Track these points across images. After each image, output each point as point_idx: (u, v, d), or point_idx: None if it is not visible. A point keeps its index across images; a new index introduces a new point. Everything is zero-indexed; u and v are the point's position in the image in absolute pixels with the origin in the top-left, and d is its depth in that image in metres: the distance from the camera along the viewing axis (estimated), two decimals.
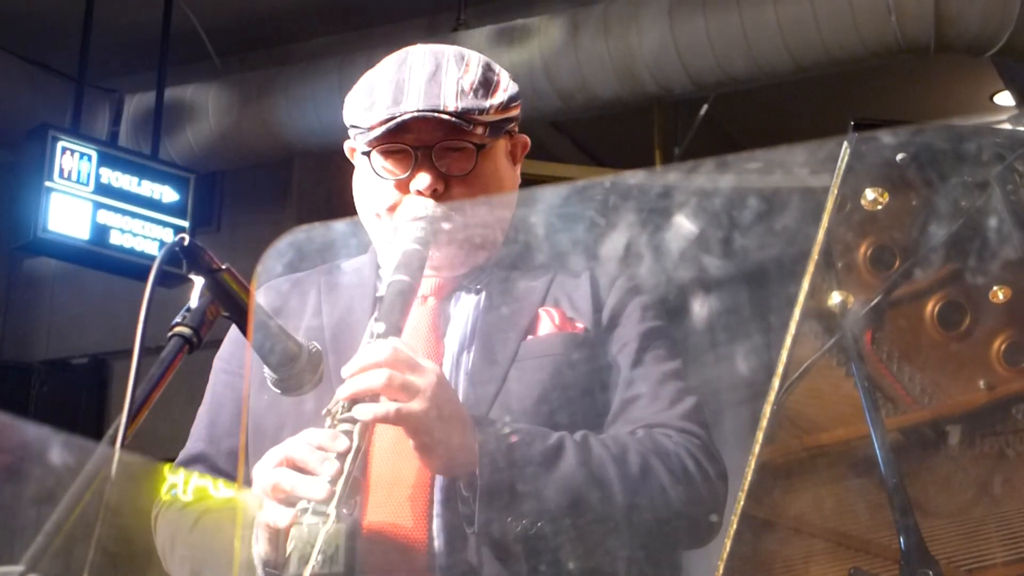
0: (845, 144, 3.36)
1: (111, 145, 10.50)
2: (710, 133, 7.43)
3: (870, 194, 3.49)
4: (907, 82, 5.11)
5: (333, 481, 2.12)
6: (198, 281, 2.38)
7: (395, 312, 2.37)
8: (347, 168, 3.06)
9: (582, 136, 5.45)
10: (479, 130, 2.55)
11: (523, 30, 5.09)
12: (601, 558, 2.24)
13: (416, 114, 2.54)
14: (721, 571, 3.73)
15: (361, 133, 2.66)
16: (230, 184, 11.80)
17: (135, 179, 9.99)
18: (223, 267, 2.38)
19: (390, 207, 2.63)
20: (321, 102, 9.06)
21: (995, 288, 3.84)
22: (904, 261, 3.85)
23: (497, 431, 2.23)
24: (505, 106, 2.62)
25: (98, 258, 9.87)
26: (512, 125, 2.73)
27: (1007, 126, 4.27)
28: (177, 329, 2.36)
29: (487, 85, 2.62)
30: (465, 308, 2.56)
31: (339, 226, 2.76)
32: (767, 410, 3.60)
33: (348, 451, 2.18)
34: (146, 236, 9.94)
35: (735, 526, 3.64)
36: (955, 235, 3.77)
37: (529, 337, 2.44)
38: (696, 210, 3.62)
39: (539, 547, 2.20)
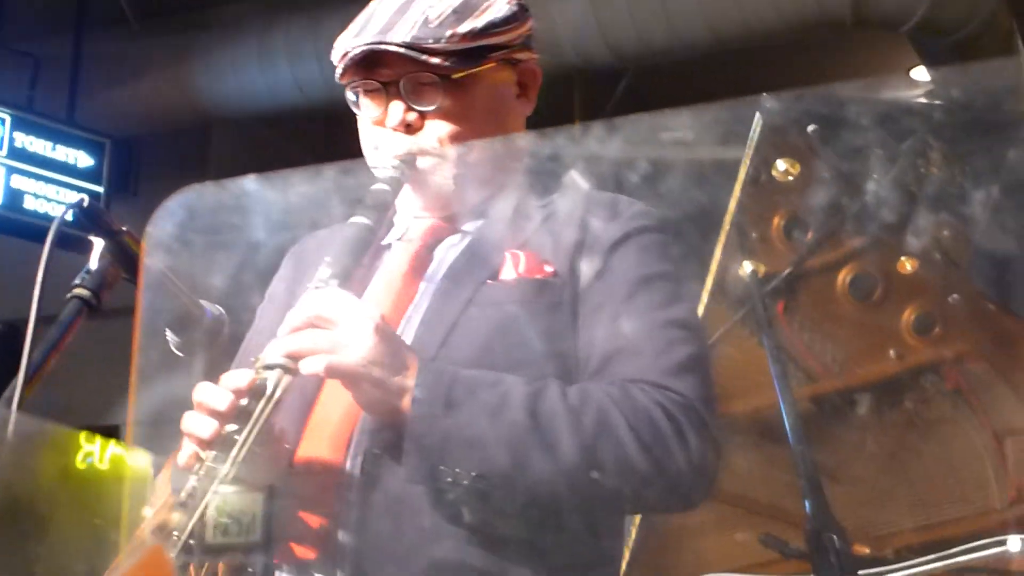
0: (757, 115, 3.40)
1: (26, 109, 10.34)
2: (632, 105, 7.47)
3: (781, 165, 3.53)
4: (826, 56, 5.16)
5: (229, 420, 2.07)
6: (98, 243, 2.34)
7: (345, 256, 2.26)
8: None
9: None
10: (438, 60, 2.38)
11: None
12: (541, 517, 2.11)
13: (364, 47, 2.42)
14: (634, 536, 3.79)
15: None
16: (148, 150, 11.65)
17: (49, 144, 9.89)
18: (123, 229, 2.35)
19: (375, 146, 2.50)
20: (240, 69, 8.96)
21: (903, 259, 3.91)
22: (816, 232, 3.90)
23: (440, 375, 2.12)
24: (480, 32, 2.38)
25: (11, 223, 9.74)
26: (504, 53, 2.50)
27: (922, 100, 4.34)
28: (76, 291, 2.31)
29: (463, 11, 2.43)
30: (450, 253, 2.43)
31: (234, 185, 2.68)
32: None
33: (258, 395, 2.11)
34: (60, 201, 9.84)
35: None
36: (865, 207, 3.83)
37: (489, 281, 2.31)
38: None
39: (476, 499, 2.09)
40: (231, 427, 2.04)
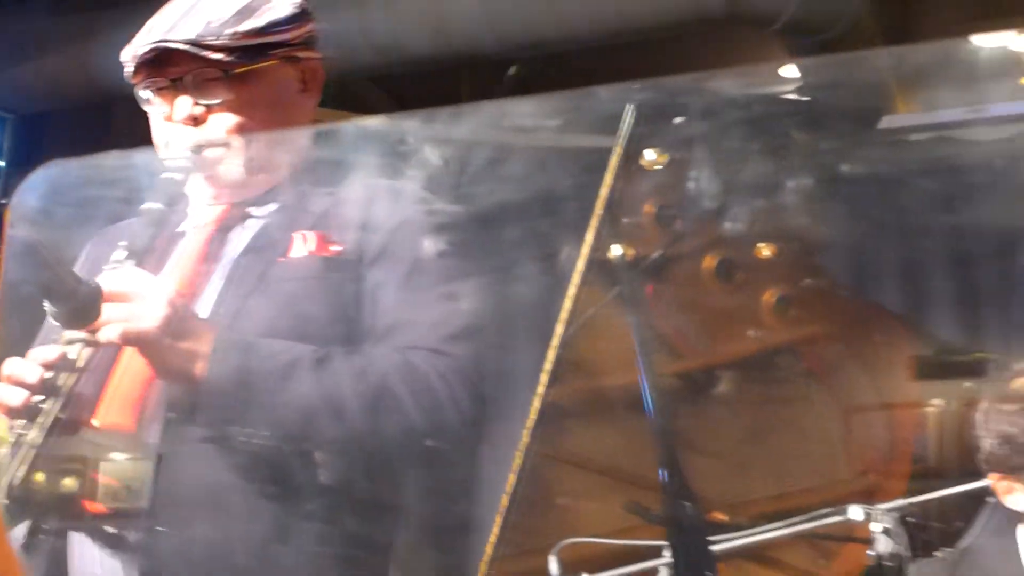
0: (628, 106, 3.49)
1: None
2: (520, 94, 7.55)
3: (649, 155, 3.63)
4: (705, 52, 5.29)
5: (37, 390, 2.15)
6: None
7: (137, 239, 2.37)
8: None
9: (399, 91, 5.54)
10: (220, 56, 2.45)
11: None
12: (332, 473, 2.22)
13: (150, 46, 2.49)
14: (506, 503, 3.88)
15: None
16: (52, 126, 11.56)
17: None
18: None
19: (166, 142, 2.58)
20: None
21: (760, 245, 4.04)
22: (684, 219, 4.01)
23: (233, 342, 2.21)
24: (261, 31, 2.47)
25: None
26: (285, 51, 2.58)
27: (791, 97, 4.49)
28: None
29: (244, 12, 2.52)
30: (244, 235, 2.51)
31: (97, 161, 2.71)
32: (551, 354, 3.74)
33: (64, 367, 2.18)
34: None
35: (519, 460, 3.80)
36: (729, 196, 3.95)
37: (280, 259, 2.40)
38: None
39: (267, 459, 2.19)
40: (38, 397, 2.14)
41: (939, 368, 4.26)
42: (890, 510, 3.31)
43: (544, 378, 3.76)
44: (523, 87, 5.15)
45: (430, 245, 2.43)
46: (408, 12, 4.96)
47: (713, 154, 3.85)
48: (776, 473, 4.22)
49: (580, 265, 3.65)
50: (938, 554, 2.92)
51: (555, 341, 3.70)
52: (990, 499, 3.22)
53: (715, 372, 4.29)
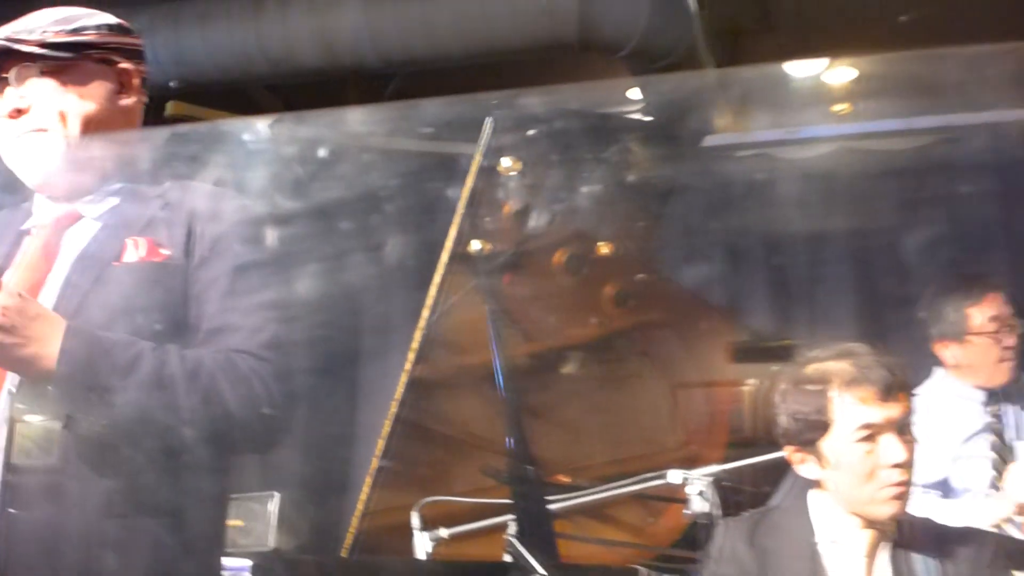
0: (487, 119, 3.53)
1: None
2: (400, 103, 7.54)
3: (505, 162, 3.67)
4: (563, 73, 5.34)
5: None
6: None
7: None
8: None
9: (292, 100, 5.52)
10: (39, 50, 2.44)
11: (242, 2, 5.11)
12: (169, 461, 2.23)
13: None
14: (375, 466, 3.90)
15: None
16: None
17: None
18: None
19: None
20: None
21: (601, 244, 4.10)
22: (537, 219, 4.05)
23: (81, 336, 2.20)
24: (74, 31, 2.44)
25: None
26: (100, 53, 2.54)
27: (630, 115, 4.60)
28: None
29: (63, 20, 2.52)
30: (80, 237, 2.48)
31: None
32: (418, 335, 3.77)
33: None
34: None
35: (387, 428, 3.82)
36: (575, 199, 4.00)
37: (113, 264, 2.39)
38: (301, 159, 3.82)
39: (109, 445, 2.19)
40: None
41: (752, 353, 4.35)
42: (704, 475, 3.41)
43: (411, 356, 3.79)
44: (401, 97, 5.15)
45: (252, 252, 2.43)
46: (299, 28, 4.94)
47: (562, 163, 3.90)
48: (612, 441, 4.30)
49: (444, 258, 3.68)
50: (745, 514, 2.98)
51: (421, 323, 3.73)
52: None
53: (562, 353, 4.35)
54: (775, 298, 4.94)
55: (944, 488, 3.95)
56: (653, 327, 4.36)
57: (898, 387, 2.70)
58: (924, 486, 3.90)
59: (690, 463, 3.64)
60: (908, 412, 2.72)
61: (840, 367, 2.74)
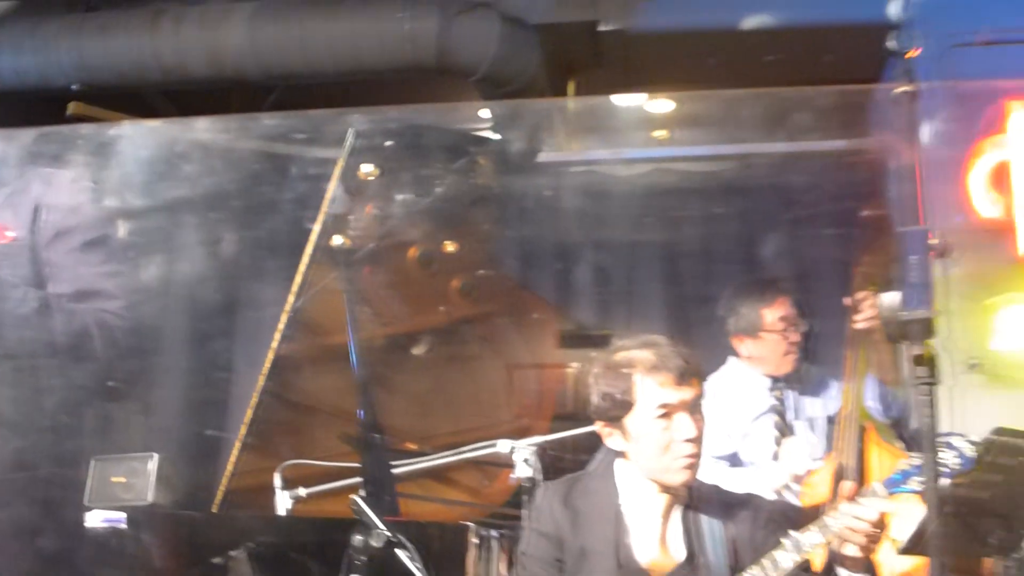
0: (350, 130, 3.54)
1: None
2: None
3: (365, 168, 3.68)
4: (427, 92, 5.32)
5: None
6: None
7: None
8: None
9: (185, 105, 5.41)
10: None
11: (140, 16, 5.02)
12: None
13: None
14: (243, 433, 3.87)
15: None
16: None
17: None
18: None
19: None
20: None
21: (446, 242, 4.13)
22: (394, 219, 4.07)
23: None
24: None
25: None
26: None
27: (479, 133, 4.65)
28: None
29: None
30: None
31: None
32: (283, 318, 3.76)
33: None
34: None
35: (255, 399, 3.80)
36: (428, 203, 4.03)
37: None
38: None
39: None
40: None
41: (575, 340, 4.43)
42: (529, 445, 3.46)
43: (277, 336, 3.78)
44: (281, 107, 5.10)
45: (85, 233, 2.46)
46: (190, 42, 4.87)
47: (417, 171, 3.92)
48: (455, 414, 4.31)
49: (308, 250, 3.68)
50: (562, 478, 3.04)
51: (287, 307, 3.72)
52: None
53: (414, 336, 4.35)
54: (598, 295, 5.02)
55: (735, 459, 4.07)
56: (492, 316, 4.40)
57: (691, 374, 2.81)
58: (718, 457, 4.03)
59: (521, 434, 3.66)
60: (699, 395, 2.83)
61: (643, 355, 2.83)
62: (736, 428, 4.09)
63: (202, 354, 5.02)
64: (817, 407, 4.15)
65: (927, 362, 1.63)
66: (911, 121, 1.94)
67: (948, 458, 2.52)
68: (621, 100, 4.15)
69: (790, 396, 4.15)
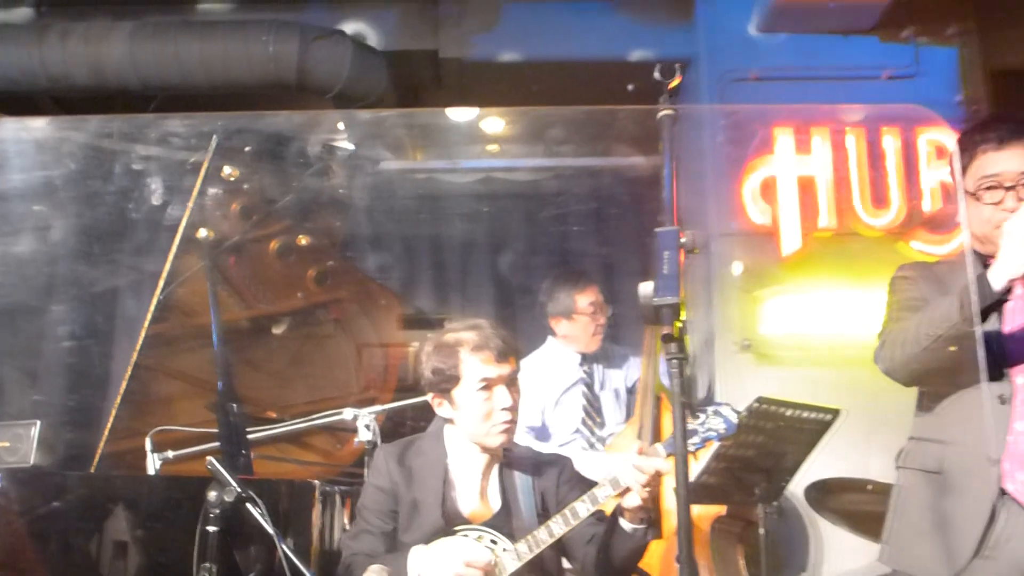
0: (215, 136, 3.38)
1: None
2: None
3: (227, 169, 3.52)
4: (293, 104, 5.16)
5: None
6: None
7: None
8: None
9: (72, 109, 5.11)
10: None
11: (28, 29, 4.71)
12: None
13: None
14: (118, 403, 3.66)
15: None
16: None
17: None
18: None
19: None
20: None
21: (302, 236, 4.01)
22: (256, 215, 3.92)
23: None
24: None
25: None
26: None
27: (344, 143, 4.53)
28: None
29: None
30: None
31: None
32: (154, 301, 3.57)
33: None
34: None
35: (129, 372, 3.60)
36: (287, 201, 3.91)
37: None
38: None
39: None
40: None
41: (415, 323, 4.36)
42: (370, 412, 3.37)
43: (149, 316, 3.58)
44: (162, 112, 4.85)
45: None
46: (75, 55, 4.59)
47: (276, 173, 3.79)
48: (311, 387, 4.20)
49: (175, 243, 3.49)
50: (398, 441, 2.97)
51: (157, 292, 3.52)
52: None
53: (275, 318, 4.22)
54: (435, 285, 4.97)
55: (543, 433, 4.07)
56: (344, 301, 4.29)
57: (509, 352, 2.76)
58: (529, 429, 4.02)
59: (369, 404, 3.59)
60: (516, 371, 2.78)
61: (468, 336, 2.76)
62: (552, 396, 4.09)
63: (86, 331, 4.77)
64: (619, 379, 4.19)
65: (676, 340, 1.62)
66: (671, 139, 1.93)
67: (716, 423, 2.52)
68: (455, 115, 4.08)
69: (597, 370, 4.17)
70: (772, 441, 3.08)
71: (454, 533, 2.63)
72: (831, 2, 4.25)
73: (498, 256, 4.96)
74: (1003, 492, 2.20)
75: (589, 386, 4.15)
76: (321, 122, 3.98)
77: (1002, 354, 2.22)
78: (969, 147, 2.33)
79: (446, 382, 2.75)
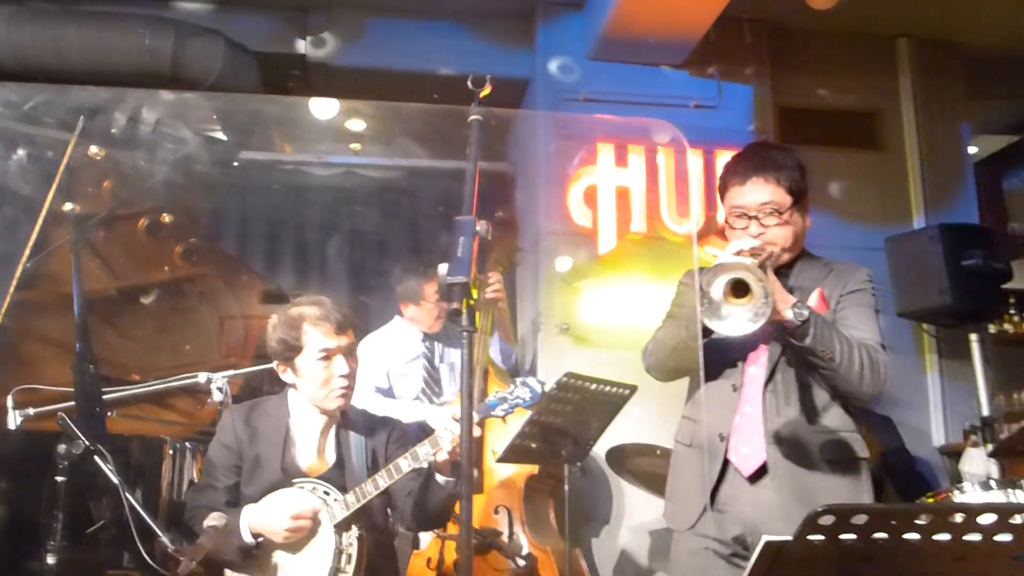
0: (81, 116, 3.20)
1: None
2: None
3: (94, 148, 3.35)
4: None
5: None
6: None
7: None
8: None
9: None
10: None
11: None
12: None
13: None
14: None
15: None
16: None
17: None
18: None
19: None
20: None
21: (167, 215, 3.87)
22: (127, 192, 3.77)
23: None
24: None
25: None
26: None
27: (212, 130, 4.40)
28: None
29: None
30: None
31: None
32: (19, 270, 3.37)
33: None
34: None
35: None
36: (155, 182, 3.76)
37: None
38: None
39: None
40: None
41: (274, 298, 4.25)
42: (223, 376, 3.29)
43: (14, 283, 3.38)
44: None
45: None
46: None
47: (144, 154, 3.63)
48: (175, 353, 4.07)
49: (40, 218, 3.29)
50: (246, 402, 2.91)
51: (23, 260, 3.32)
52: None
53: (143, 289, 4.06)
54: (297, 267, 4.86)
55: (389, 393, 4.07)
56: (209, 277, 4.16)
57: (348, 325, 2.74)
58: (377, 389, 4.01)
59: (229, 369, 3.51)
60: (354, 343, 2.76)
61: (311, 310, 2.73)
62: (395, 368, 4.09)
63: None
64: (456, 355, 4.21)
65: (464, 316, 1.65)
66: (477, 141, 1.96)
67: (523, 392, 2.57)
68: (320, 111, 4.00)
69: (437, 346, 4.17)
70: (578, 410, 3.15)
71: (292, 485, 2.61)
72: (650, 38, 4.37)
73: (355, 243, 4.90)
74: (728, 462, 2.36)
75: (430, 360, 4.16)
76: (192, 107, 3.81)
77: (730, 352, 2.37)
78: (723, 183, 2.46)
79: (289, 351, 2.72)
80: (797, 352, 2.27)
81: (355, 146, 4.81)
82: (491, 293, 3.95)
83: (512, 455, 3.25)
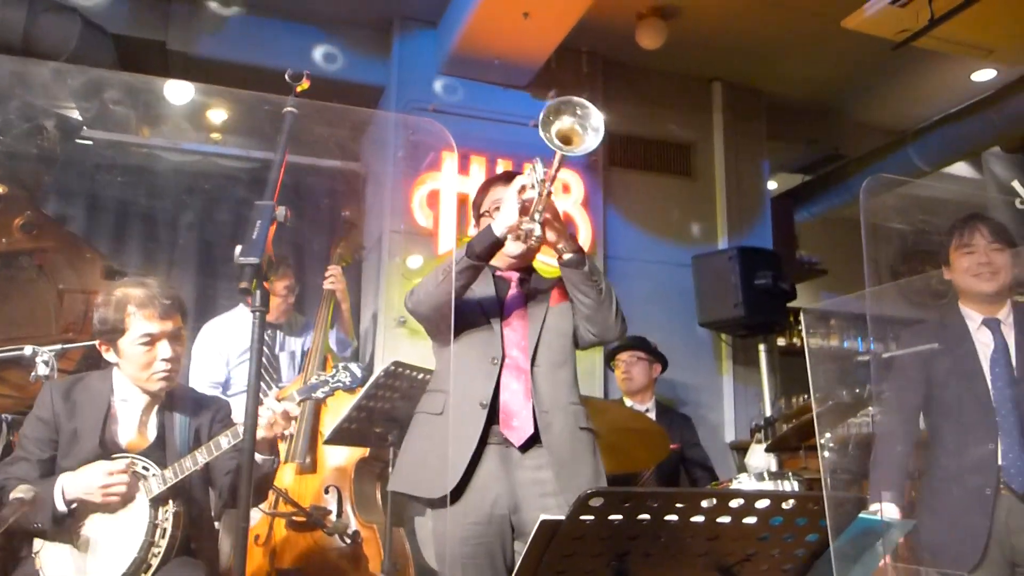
0: None
1: None
2: None
3: None
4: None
5: None
6: None
7: None
8: None
9: None
10: None
11: None
12: None
13: None
14: None
15: None
16: None
17: None
18: None
19: None
20: None
21: (8, 187, 3.57)
22: None
23: None
24: None
25: None
26: None
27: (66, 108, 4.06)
28: None
29: None
30: None
31: None
32: None
33: None
34: None
35: None
36: None
37: None
38: None
39: None
40: None
41: (114, 275, 3.97)
42: (49, 350, 3.02)
43: None
44: None
45: None
46: None
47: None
48: (9, 324, 3.76)
49: None
50: (67, 377, 2.70)
51: None
52: None
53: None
54: (145, 248, 4.57)
55: (228, 382, 3.89)
56: (48, 251, 3.86)
57: (174, 311, 2.58)
58: (214, 384, 3.83)
59: (66, 343, 3.26)
60: (179, 327, 2.60)
61: (135, 292, 2.56)
62: (235, 353, 3.92)
63: None
64: (297, 344, 4.08)
65: (253, 294, 1.61)
66: (288, 131, 1.91)
67: (344, 376, 2.54)
68: (176, 96, 3.75)
69: (278, 335, 4.04)
70: (404, 398, 3.12)
71: (111, 459, 2.45)
72: (496, 60, 4.39)
73: (206, 230, 4.67)
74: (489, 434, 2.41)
75: (270, 348, 4.02)
76: (42, 82, 3.51)
77: (501, 335, 2.45)
78: (487, 186, 2.66)
79: (112, 332, 2.55)
80: (573, 281, 2.40)
81: (215, 136, 4.59)
82: (328, 284, 3.87)
83: (338, 437, 3.19)
